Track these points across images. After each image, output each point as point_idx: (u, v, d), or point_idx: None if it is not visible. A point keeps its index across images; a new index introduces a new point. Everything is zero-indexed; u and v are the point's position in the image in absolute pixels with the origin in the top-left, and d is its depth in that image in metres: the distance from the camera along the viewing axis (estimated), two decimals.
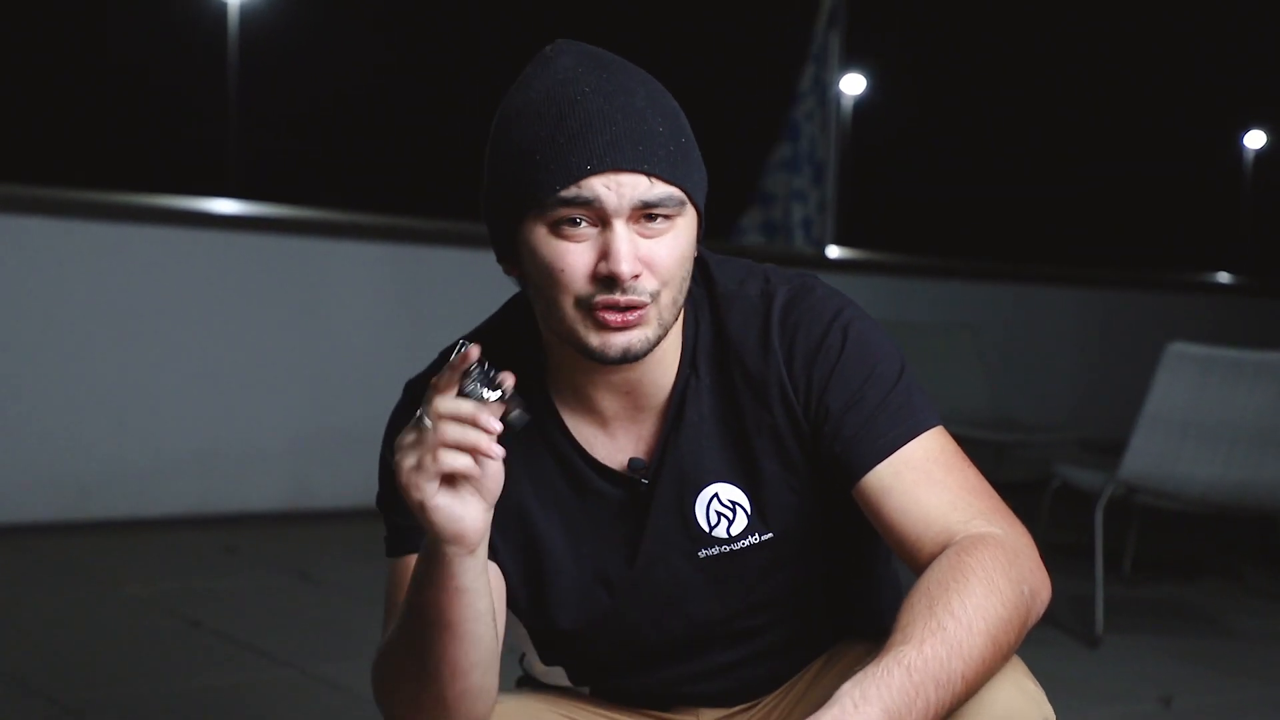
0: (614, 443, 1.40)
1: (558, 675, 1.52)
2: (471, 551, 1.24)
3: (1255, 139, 34.41)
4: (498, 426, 1.19)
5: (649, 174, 1.27)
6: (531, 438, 1.40)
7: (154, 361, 4.90)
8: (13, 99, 25.70)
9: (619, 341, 1.30)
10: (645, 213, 1.28)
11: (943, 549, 1.28)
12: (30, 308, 4.70)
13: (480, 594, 1.27)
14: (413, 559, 1.36)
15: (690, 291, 1.39)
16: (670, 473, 1.39)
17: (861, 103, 26.72)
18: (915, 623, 1.21)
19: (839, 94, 7.30)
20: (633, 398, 1.39)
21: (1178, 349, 3.75)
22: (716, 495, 1.39)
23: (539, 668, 1.53)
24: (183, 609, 3.70)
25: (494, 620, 1.31)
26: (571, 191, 1.27)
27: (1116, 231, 30.79)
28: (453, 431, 1.18)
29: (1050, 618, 4.06)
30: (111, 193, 7.20)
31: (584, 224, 1.28)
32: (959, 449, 1.37)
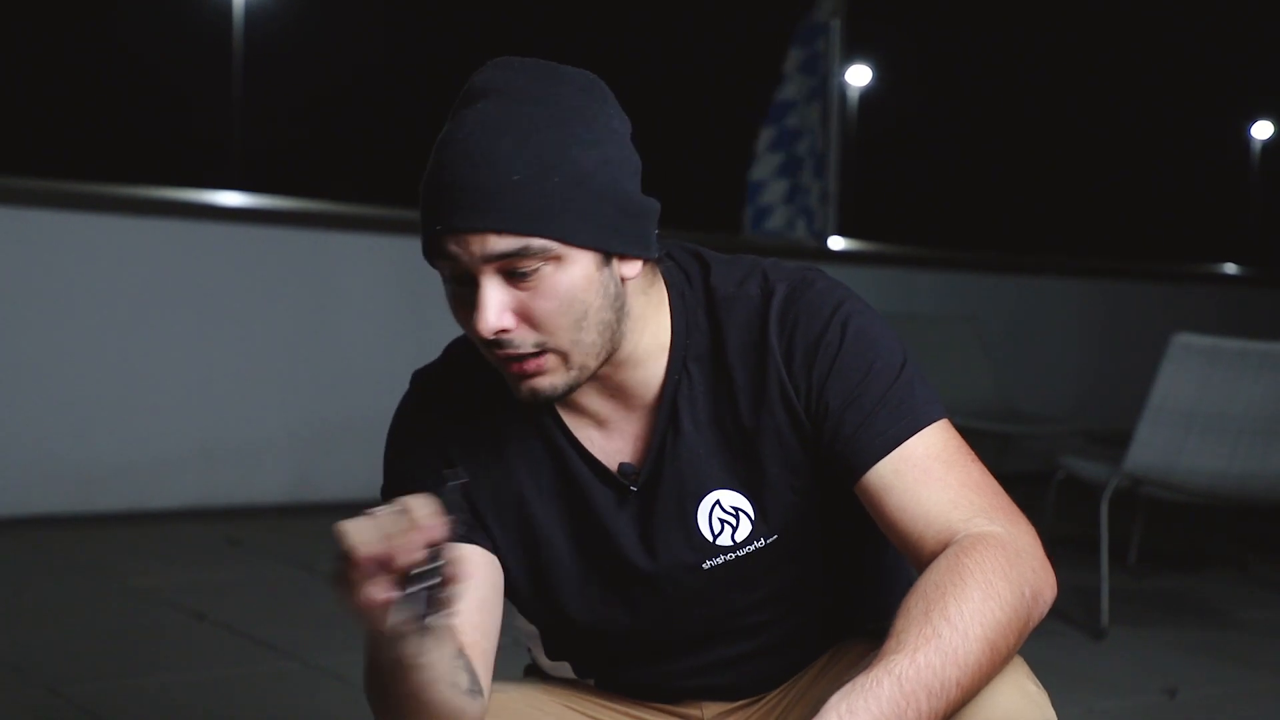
0: (609, 442, 1.40)
1: (564, 669, 1.52)
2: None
3: (1262, 130, 34.35)
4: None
5: (493, 229, 1.25)
6: (528, 430, 1.40)
7: (158, 354, 4.90)
8: (19, 92, 25.71)
9: (525, 388, 1.31)
10: (506, 266, 1.26)
11: (944, 547, 1.27)
12: (34, 300, 4.70)
13: (438, 666, 1.25)
14: None
15: (683, 294, 1.38)
16: (669, 482, 1.38)
17: (866, 93, 26.69)
18: (909, 629, 1.19)
19: (843, 84, 7.27)
20: (620, 398, 1.38)
21: (1183, 340, 3.74)
22: (718, 502, 1.38)
23: (545, 662, 1.53)
24: (186, 601, 3.70)
25: (463, 672, 1.30)
26: (434, 249, 1.28)
27: (1122, 222, 30.74)
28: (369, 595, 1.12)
29: (1055, 609, 4.03)
30: (116, 185, 7.20)
31: (463, 277, 1.28)
32: (963, 443, 1.35)
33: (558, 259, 1.26)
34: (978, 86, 32.25)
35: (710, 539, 1.39)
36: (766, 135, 6.64)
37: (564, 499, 1.40)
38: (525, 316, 1.27)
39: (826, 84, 6.69)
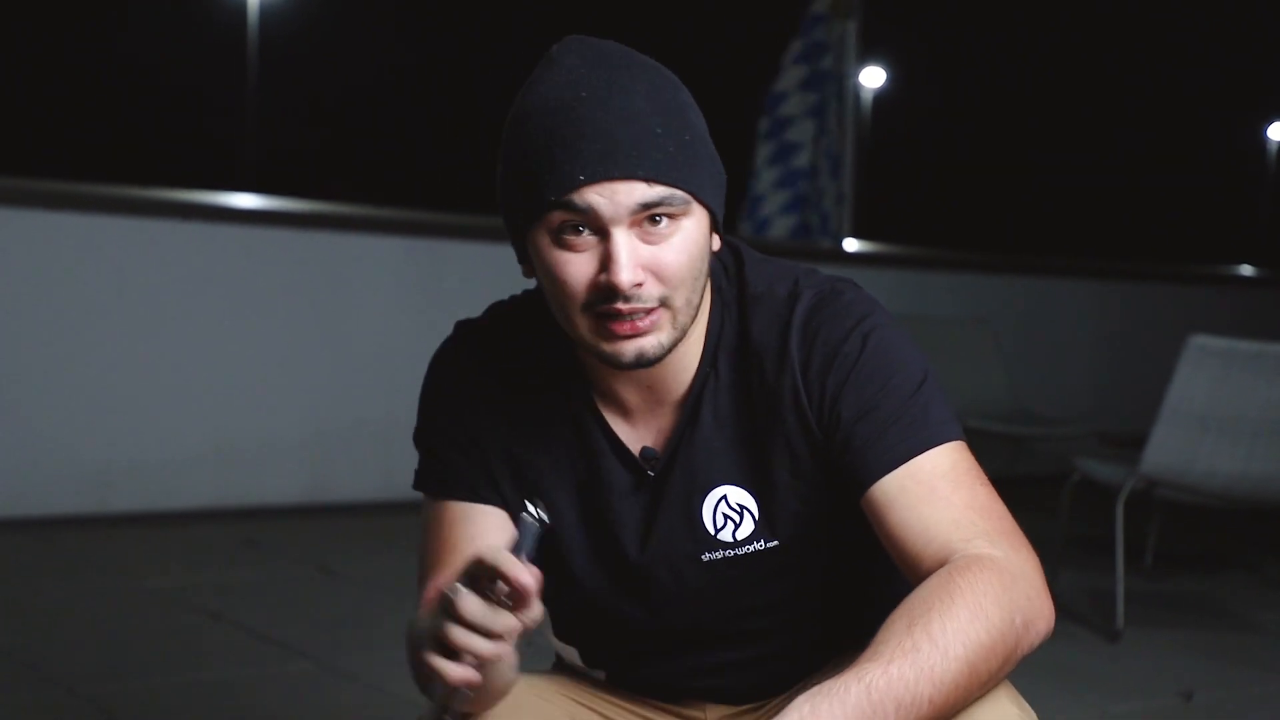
0: (634, 431, 1.41)
1: (572, 654, 1.53)
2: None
3: (1278, 131, 34.22)
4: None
5: (644, 179, 1.25)
6: (560, 403, 1.41)
7: (174, 355, 4.91)
8: (32, 94, 25.80)
9: (630, 349, 1.30)
10: (647, 215, 1.27)
11: (941, 566, 1.25)
12: (49, 302, 4.72)
13: (499, 671, 1.29)
14: (449, 506, 1.40)
15: (720, 289, 1.38)
16: (681, 471, 1.39)
17: (880, 95, 26.66)
18: (889, 641, 1.18)
19: (857, 86, 7.26)
20: (654, 391, 1.39)
21: (1199, 342, 3.73)
22: (725, 497, 1.39)
23: (555, 643, 1.55)
24: (202, 601, 3.71)
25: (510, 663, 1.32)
26: (567, 201, 1.26)
27: (1137, 223, 30.65)
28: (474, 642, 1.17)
29: (1071, 612, 4.06)
30: (130, 187, 7.23)
31: (585, 232, 1.27)
32: (975, 466, 1.34)
33: (687, 214, 1.28)
34: (990, 88, 32.19)
35: (712, 532, 1.39)
36: (761, 125, 6.66)
37: (580, 476, 1.41)
38: (654, 270, 1.28)
39: (842, 85, 6.68)
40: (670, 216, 1.27)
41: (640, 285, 1.27)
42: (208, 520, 4.85)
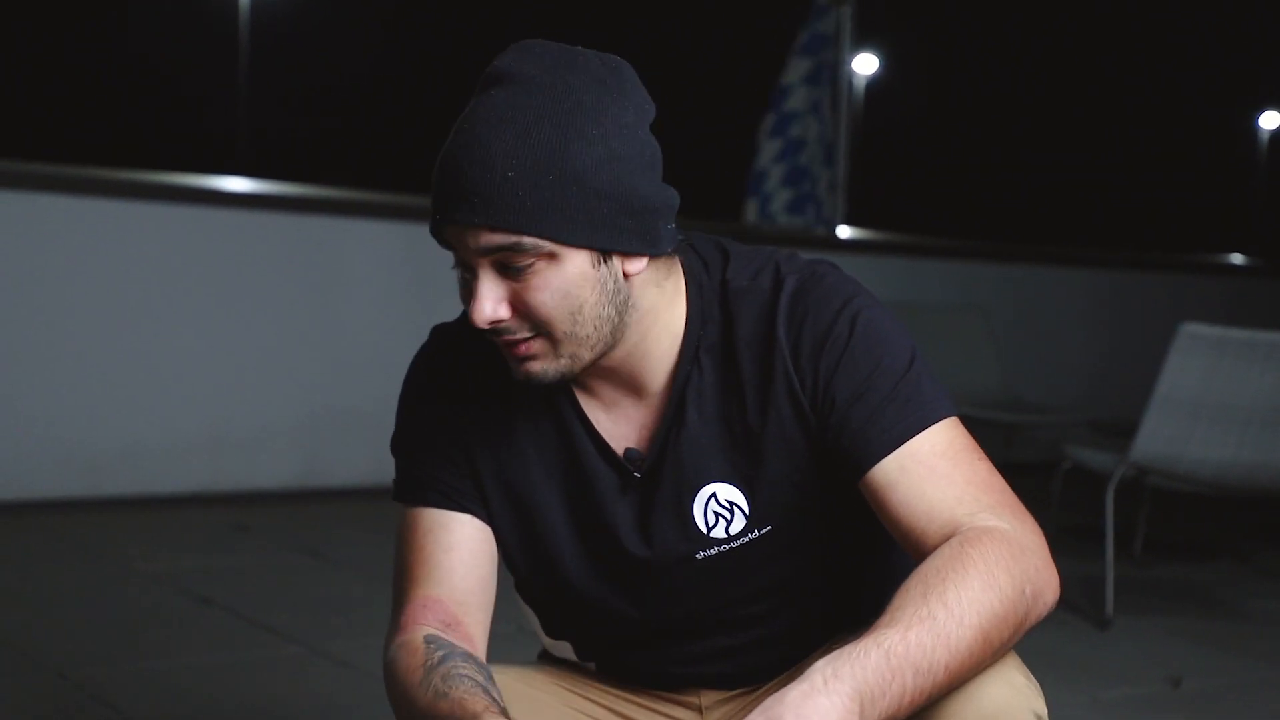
0: (616, 426, 1.40)
1: (565, 649, 1.53)
2: None
3: (1270, 120, 34.23)
4: None
5: (487, 225, 1.26)
6: (541, 403, 1.41)
7: (165, 339, 4.91)
8: (25, 77, 25.71)
9: (520, 371, 1.33)
10: (499, 261, 1.28)
11: (947, 540, 1.26)
12: (42, 285, 4.71)
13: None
14: (424, 514, 1.41)
15: (701, 285, 1.38)
16: (670, 471, 1.39)
17: (873, 82, 26.62)
18: (905, 608, 1.19)
19: (850, 73, 7.26)
20: (631, 386, 1.39)
21: (1190, 330, 3.73)
22: (714, 495, 1.39)
23: (547, 640, 1.54)
24: (193, 587, 3.71)
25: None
26: (437, 234, 1.31)
27: (1130, 212, 30.67)
28: None
29: (1061, 599, 4.04)
30: (122, 170, 7.20)
31: (465, 264, 1.31)
32: (971, 441, 1.35)
33: (551, 256, 1.27)
34: (984, 75, 32.18)
35: (705, 530, 1.39)
36: (768, 121, 6.64)
37: (566, 475, 1.41)
38: (520, 308, 1.29)
39: (836, 72, 6.68)
40: (525, 261, 1.27)
41: (501, 321, 1.29)
42: (199, 505, 4.85)
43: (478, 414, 1.42)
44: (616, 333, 1.33)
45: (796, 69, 6.57)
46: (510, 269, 1.27)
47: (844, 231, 7.05)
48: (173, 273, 4.92)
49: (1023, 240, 10.41)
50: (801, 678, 1.16)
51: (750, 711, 1.44)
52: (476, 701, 1.27)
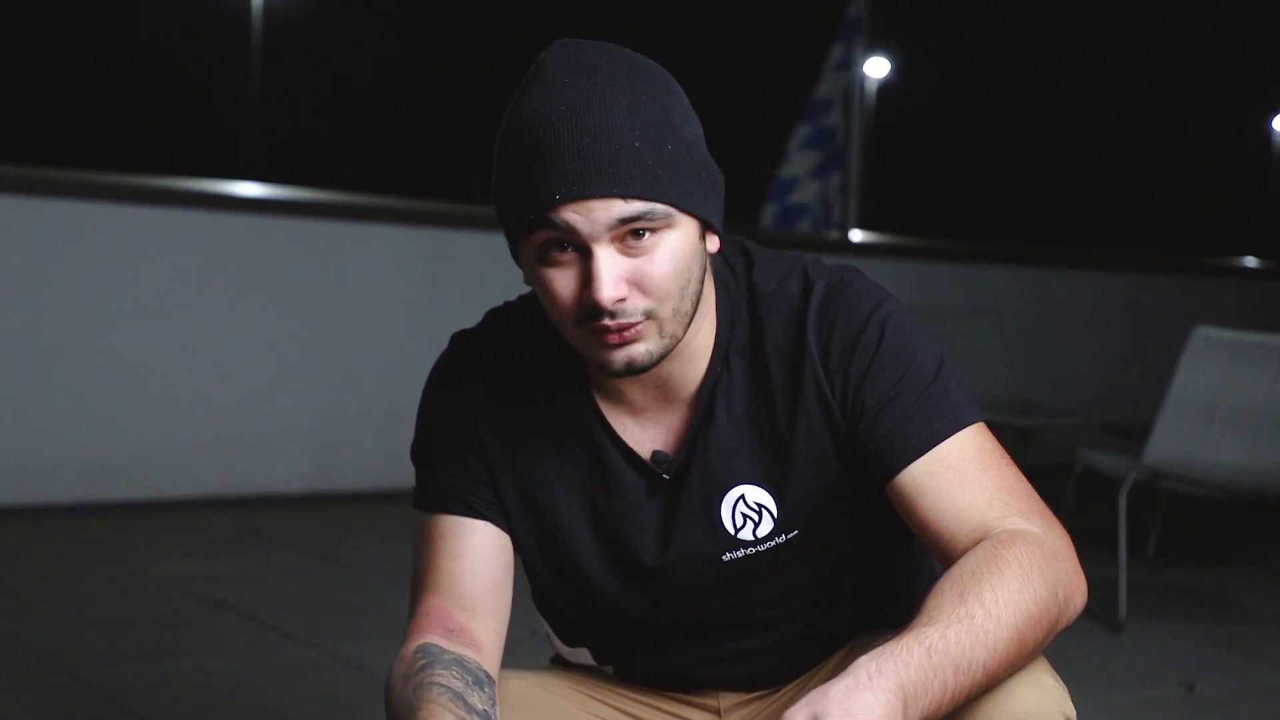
0: (643, 431, 1.40)
1: (583, 655, 1.52)
2: None
3: None
4: None
5: (620, 195, 1.25)
6: (562, 410, 1.40)
7: (177, 343, 4.92)
8: (36, 82, 25.79)
9: (620, 357, 1.30)
10: (627, 230, 1.26)
11: (977, 544, 1.27)
12: (53, 290, 4.72)
13: None
14: (440, 520, 1.40)
15: (728, 288, 1.39)
16: (698, 473, 1.39)
17: (885, 85, 26.61)
18: (943, 607, 1.20)
19: (863, 76, 7.25)
20: (662, 390, 1.39)
21: (1203, 333, 3.72)
22: (743, 497, 1.39)
23: (564, 648, 1.54)
24: (205, 590, 3.72)
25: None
26: (546, 220, 1.26)
27: (1142, 215, 30.61)
28: None
29: None
30: (134, 175, 7.22)
31: (569, 248, 1.27)
32: (998, 447, 1.35)
33: (670, 225, 1.28)
34: (996, 79, 32.14)
35: (732, 532, 1.39)
36: (801, 133, 6.62)
37: (589, 480, 1.41)
38: (637, 283, 1.27)
39: (849, 75, 6.67)
40: (652, 230, 1.27)
41: (623, 300, 1.27)
42: (212, 509, 4.86)
43: (498, 421, 1.41)
44: (697, 314, 1.34)
45: (834, 84, 6.56)
46: (637, 240, 1.27)
47: (856, 235, 7.04)
48: (185, 278, 4.93)
49: (1035, 243, 10.39)
50: (844, 673, 1.16)
51: (771, 712, 1.44)
52: (443, 715, 1.27)
